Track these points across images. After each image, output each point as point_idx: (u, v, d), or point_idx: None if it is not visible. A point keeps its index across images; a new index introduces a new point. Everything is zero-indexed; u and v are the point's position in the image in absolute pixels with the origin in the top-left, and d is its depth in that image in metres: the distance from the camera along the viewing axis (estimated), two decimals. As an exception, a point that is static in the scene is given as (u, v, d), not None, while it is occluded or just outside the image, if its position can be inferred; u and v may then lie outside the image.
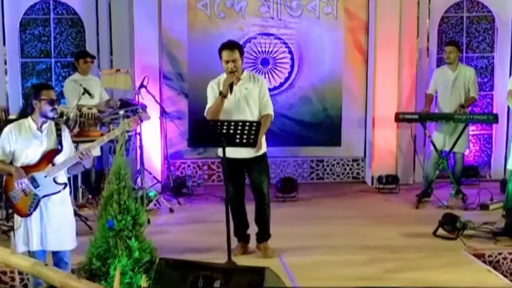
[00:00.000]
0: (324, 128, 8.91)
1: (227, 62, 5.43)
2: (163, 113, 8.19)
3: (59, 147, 4.99)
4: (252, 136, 5.20)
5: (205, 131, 5.31)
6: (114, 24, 8.42)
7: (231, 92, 5.42)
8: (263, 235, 5.88)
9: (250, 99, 5.55)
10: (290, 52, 8.72)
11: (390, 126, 8.54)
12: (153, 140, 8.31)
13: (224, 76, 5.55)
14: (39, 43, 8.70)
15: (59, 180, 4.99)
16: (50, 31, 8.65)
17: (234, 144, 5.24)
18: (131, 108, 7.36)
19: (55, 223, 4.95)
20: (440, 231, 6.47)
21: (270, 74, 8.69)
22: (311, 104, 8.78)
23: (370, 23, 8.77)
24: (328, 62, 8.83)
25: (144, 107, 7.52)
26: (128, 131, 5.71)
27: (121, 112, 7.28)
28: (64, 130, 5.10)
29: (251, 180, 5.71)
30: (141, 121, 5.45)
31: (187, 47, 8.59)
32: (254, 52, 8.66)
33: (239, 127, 5.19)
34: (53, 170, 4.93)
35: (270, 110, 5.68)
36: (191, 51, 8.59)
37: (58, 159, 4.97)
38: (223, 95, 5.42)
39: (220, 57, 5.46)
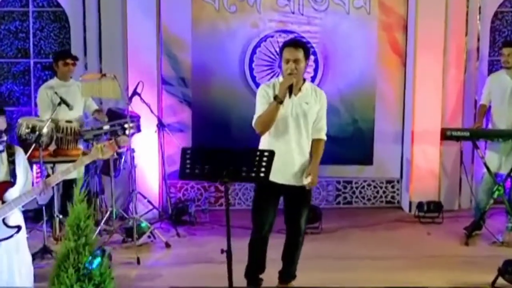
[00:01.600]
0: (353, 143, 8.06)
1: (288, 61, 4.82)
2: (160, 125, 7.30)
3: (12, 179, 4.12)
4: (263, 169, 4.31)
5: (200, 161, 4.33)
6: (104, 19, 7.57)
7: (290, 96, 4.82)
8: (289, 274, 5.35)
9: (309, 117, 4.97)
10: (314, 53, 7.83)
11: (432, 142, 7.73)
12: (149, 157, 7.52)
13: (280, 79, 4.94)
14: (15, 41, 7.94)
15: (11, 222, 4.12)
16: (29, 26, 7.86)
17: (239, 179, 4.43)
18: (118, 122, 6.48)
19: (5, 275, 4.11)
20: (500, 281, 5.49)
21: None
22: (337, 115, 7.90)
23: (409, 18, 7.88)
24: (359, 65, 7.96)
25: (136, 119, 6.70)
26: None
27: (106, 127, 6.45)
28: (18, 154, 4.21)
29: (289, 211, 5.13)
30: (119, 147, 4.50)
31: (191, 46, 7.77)
32: (271, 52, 7.80)
33: (247, 157, 4.33)
34: (4, 209, 4.05)
35: (324, 135, 5.15)
36: (196, 51, 7.79)
37: (10, 194, 4.11)
38: (279, 100, 4.76)
39: (281, 57, 4.89)
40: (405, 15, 7.93)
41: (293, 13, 7.84)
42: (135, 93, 6.89)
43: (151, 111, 7.11)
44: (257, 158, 4.35)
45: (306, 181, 4.90)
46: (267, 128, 4.88)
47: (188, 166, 4.35)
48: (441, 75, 7.73)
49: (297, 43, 4.98)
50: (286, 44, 4.94)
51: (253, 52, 7.75)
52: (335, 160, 7.83)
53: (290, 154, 4.86)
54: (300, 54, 4.85)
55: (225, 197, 4.40)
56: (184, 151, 4.30)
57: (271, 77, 7.56)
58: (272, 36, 7.83)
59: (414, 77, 7.75)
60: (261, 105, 4.93)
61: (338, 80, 7.96)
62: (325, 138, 5.11)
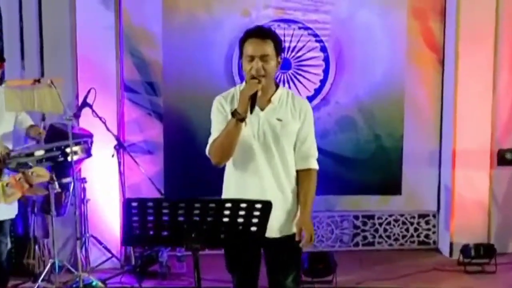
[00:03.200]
0: (375, 166, 7.25)
1: (252, 58, 4.00)
2: (120, 146, 6.21)
3: None
4: (256, 228, 3.41)
5: (155, 219, 3.33)
6: (46, 6, 6.54)
7: (251, 111, 3.97)
8: None
9: (284, 140, 4.13)
10: (324, 49, 6.98)
11: (479, 165, 7.05)
12: (106, 189, 6.54)
13: (242, 86, 4.12)
14: None
15: None
16: None
17: (217, 244, 3.55)
18: (56, 144, 5.38)
19: None
20: None
21: (292, 83, 7.01)
22: (354, 130, 7.14)
23: (448, 4, 7.01)
24: (383, 64, 7.12)
25: (87, 139, 5.71)
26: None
27: (39, 152, 5.29)
28: None
29: (271, 271, 4.33)
30: (30, 185, 3.98)
31: (161, 41, 6.88)
32: None
33: (229, 210, 3.36)
34: None
35: (314, 163, 4.24)
36: (169, 48, 6.89)
37: None
38: (238, 117, 3.93)
39: (240, 53, 4.08)
40: (443, -1, 7.09)
41: None
42: (84, 104, 5.91)
43: (107, 128, 6.04)
44: (243, 212, 3.29)
45: (294, 230, 4.14)
46: (226, 157, 4.05)
47: (137, 225, 3.29)
48: (491, 78, 7.01)
49: (264, 32, 4.11)
50: (249, 34, 4.08)
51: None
52: (352, 189, 7.26)
53: (263, 193, 3.98)
54: (269, 48, 4.00)
55: (195, 269, 3.37)
56: (128, 204, 3.26)
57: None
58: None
59: (456, 81, 6.96)
60: (216, 124, 4.14)
61: (356, 84, 7.12)
62: (316, 167, 4.23)
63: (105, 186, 6.50)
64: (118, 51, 6.64)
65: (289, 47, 6.97)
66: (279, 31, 6.40)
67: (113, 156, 6.16)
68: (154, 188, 6.36)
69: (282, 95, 4.17)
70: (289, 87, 6.84)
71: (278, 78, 6.79)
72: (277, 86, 4.14)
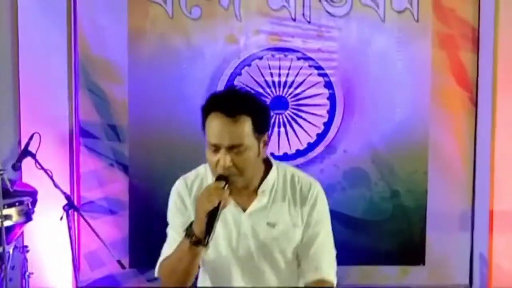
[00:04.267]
0: (393, 230, 6.36)
1: (216, 148, 2.97)
2: (70, 206, 5.39)
3: None
4: None
5: None
6: None
7: (217, 213, 2.90)
8: None
9: (279, 252, 3.13)
10: (329, 84, 6.09)
11: None
12: (54, 259, 5.76)
13: (207, 176, 3.15)
14: None
15: None
16: None
17: None
18: None
19: None
20: None
21: (289, 127, 6.22)
22: (367, 185, 6.27)
23: (482, 29, 6.17)
24: (402, 104, 6.27)
25: (28, 197, 5.07)
26: None
27: None
28: None
29: None
30: None
31: (127, 74, 6.03)
32: (259, 84, 6.21)
33: None
34: None
35: (331, 273, 3.17)
36: (136, 82, 6.03)
37: None
38: (194, 239, 2.87)
39: (203, 126, 3.08)
40: (476, 24, 6.23)
41: (294, 19, 6.05)
42: (25, 153, 5.20)
43: (54, 183, 5.24)
44: None
45: None
46: (182, 284, 3.02)
47: None
48: (537, 121, 6.11)
49: (235, 104, 3.02)
50: (213, 104, 3.05)
51: (230, 82, 6.17)
52: (364, 258, 6.30)
53: None
54: (244, 130, 2.95)
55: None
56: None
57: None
58: (260, 58, 6.07)
59: (493, 125, 6.10)
60: (172, 231, 3.19)
61: (368, 129, 6.25)
62: (332, 279, 3.21)
63: (53, 256, 5.64)
64: (72, 86, 5.81)
65: (285, 82, 6.09)
66: (273, 63, 5.81)
67: (61, 219, 5.33)
68: (121, 252, 5.69)
69: (276, 183, 3.12)
70: (286, 132, 5.97)
71: (272, 120, 5.91)
72: (268, 165, 3.10)
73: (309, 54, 6.01)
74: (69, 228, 5.32)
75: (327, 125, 6.08)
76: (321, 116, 6.04)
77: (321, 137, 6.15)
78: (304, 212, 3.08)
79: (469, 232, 6.36)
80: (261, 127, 2.92)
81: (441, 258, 6.38)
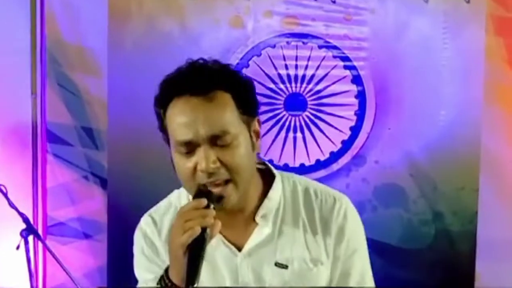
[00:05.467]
0: (436, 259, 5.65)
1: (190, 148, 2.16)
2: (29, 231, 4.87)
3: None
4: None
5: None
6: None
7: (197, 274, 2.05)
8: None
9: None
10: (358, 80, 5.39)
11: None
12: None
13: (183, 201, 2.41)
14: None
15: None
16: None
17: None
18: None
19: None
20: None
21: (307, 132, 5.48)
22: (403, 205, 5.55)
23: None
24: (448, 105, 5.54)
25: None
26: None
27: None
28: None
29: None
30: None
31: (106, 67, 5.41)
32: (271, 79, 5.47)
33: None
34: None
35: None
36: (117, 76, 5.36)
37: None
38: None
39: (162, 129, 2.39)
40: (541, 5, 5.43)
41: (316, 0, 5.41)
42: None
43: (9, 202, 4.67)
44: None
45: None
46: None
47: None
48: None
49: (205, 75, 2.34)
50: (171, 89, 2.34)
51: (236, 75, 5.03)
52: None
53: None
54: (226, 108, 2.28)
55: None
56: None
57: (271, 124, 5.45)
58: (272, 46, 5.38)
59: None
60: (141, 274, 2.52)
61: (406, 135, 5.54)
62: None
63: (9, 290, 4.84)
64: (37, 79, 5.13)
65: (303, 76, 5.32)
66: (289, 53, 5.08)
67: (18, 248, 4.61)
68: (98, 282, 5.03)
69: (283, 201, 2.38)
70: (303, 138, 5.23)
71: (287, 123, 5.24)
72: (267, 176, 2.38)
73: (334, 42, 5.34)
74: (28, 260, 4.61)
75: (355, 130, 5.43)
76: (347, 118, 5.37)
77: (346, 144, 5.51)
78: (329, 240, 2.40)
79: (531, 263, 5.69)
80: (247, 107, 2.21)
81: (495, 292, 5.80)
